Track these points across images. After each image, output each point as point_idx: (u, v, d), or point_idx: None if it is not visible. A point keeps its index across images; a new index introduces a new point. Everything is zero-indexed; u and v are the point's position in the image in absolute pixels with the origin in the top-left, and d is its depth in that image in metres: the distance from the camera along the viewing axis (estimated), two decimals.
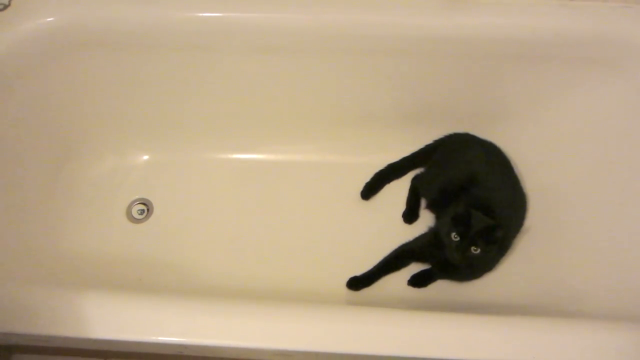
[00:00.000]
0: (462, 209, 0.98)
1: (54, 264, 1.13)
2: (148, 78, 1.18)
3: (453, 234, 0.98)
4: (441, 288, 1.13)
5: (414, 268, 1.14)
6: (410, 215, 1.22)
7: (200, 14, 1.08)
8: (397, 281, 1.14)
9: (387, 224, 1.23)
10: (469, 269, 1.06)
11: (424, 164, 1.25)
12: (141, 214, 1.27)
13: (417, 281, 1.13)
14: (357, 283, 1.12)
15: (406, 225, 1.22)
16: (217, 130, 1.30)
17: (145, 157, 1.31)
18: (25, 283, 0.96)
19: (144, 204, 1.28)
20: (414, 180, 1.25)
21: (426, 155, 1.24)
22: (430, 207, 1.20)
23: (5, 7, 1.04)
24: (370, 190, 1.24)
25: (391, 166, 1.25)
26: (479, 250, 0.96)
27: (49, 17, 1.04)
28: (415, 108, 1.24)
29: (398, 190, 1.27)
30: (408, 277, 1.13)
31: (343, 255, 1.19)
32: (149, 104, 1.23)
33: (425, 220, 1.21)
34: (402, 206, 1.24)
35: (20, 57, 1.04)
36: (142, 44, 1.11)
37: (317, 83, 1.21)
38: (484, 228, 0.96)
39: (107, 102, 1.21)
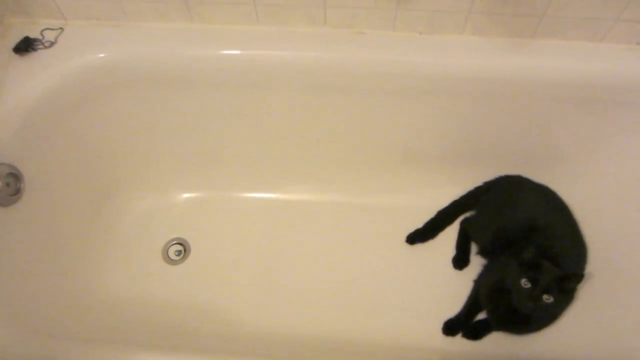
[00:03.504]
0: (531, 255, 0.93)
1: (90, 306, 1.08)
2: (190, 115, 1.15)
3: (523, 281, 0.91)
4: (497, 341, 1.07)
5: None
6: (461, 261, 1.17)
7: (243, 52, 1.05)
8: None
9: (435, 268, 1.18)
10: (535, 320, 0.99)
11: (473, 207, 1.20)
12: (178, 255, 1.22)
13: (473, 333, 1.07)
14: (452, 327, 1.08)
15: (456, 271, 1.17)
16: (256, 169, 1.27)
17: (185, 196, 1.27)
18: (61, 339, 0.90)
19: (180, 244, 1.23)
20: (464, 224, 1.20)
21: (476, 198, 1.20)
22: (483, 252, 1.15)
23: (52, 44, 1.02)
24: (420, 237, 1.20)
25: (442, 213, 1.21)
26: (551, 299, 0.90)
27: (99, 53, 1.01)
28: (466, 148, 1.20)
29: (444, 233, 1.23)
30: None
31: (391, 303, 1.14)
32: (190, 141, 1.20)
33: (476, 266, 1.16)
34: (448, 249, 1.19)
35: (67, 94, 1.01)
36: (187, 81, 1.08)
37: (361, 122, 1.17)
38: (556, 277, 0.90)
39: (149, 139, 1.18)
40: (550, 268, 0.93)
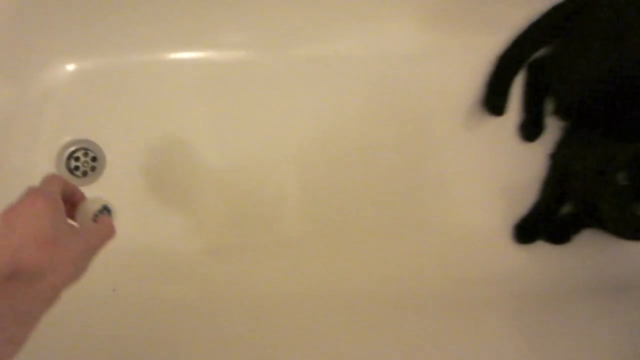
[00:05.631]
0: None
1: None
2: None
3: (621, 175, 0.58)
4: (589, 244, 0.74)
5: None
6: (532, 128, 0.76)
7: None
8: None
9: (492, 142, 0.78)
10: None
11: (550, 42, 0.76)
12: (86, 171, 0.75)
13: (559, 234, 0.73)
14: (528, 229, 0.74)
15: (524, 144, 0.77)
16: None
17: (70, 68, 0.74)
18: None
19: (86, 150, 0.75)
20: (534, 70, 0.76)
21: (554, 26, 0.75)
22: (565, 111, 0.75)
23: None
24: (499, 98, 0.76)
25: (505, 58, 0.75)
26: None
27: None
28: None
29: None
30: None
31: (424, 200, 0.77)
32: None
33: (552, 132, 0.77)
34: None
35: None
36: None
37: None
38: None
39: None
40: None
